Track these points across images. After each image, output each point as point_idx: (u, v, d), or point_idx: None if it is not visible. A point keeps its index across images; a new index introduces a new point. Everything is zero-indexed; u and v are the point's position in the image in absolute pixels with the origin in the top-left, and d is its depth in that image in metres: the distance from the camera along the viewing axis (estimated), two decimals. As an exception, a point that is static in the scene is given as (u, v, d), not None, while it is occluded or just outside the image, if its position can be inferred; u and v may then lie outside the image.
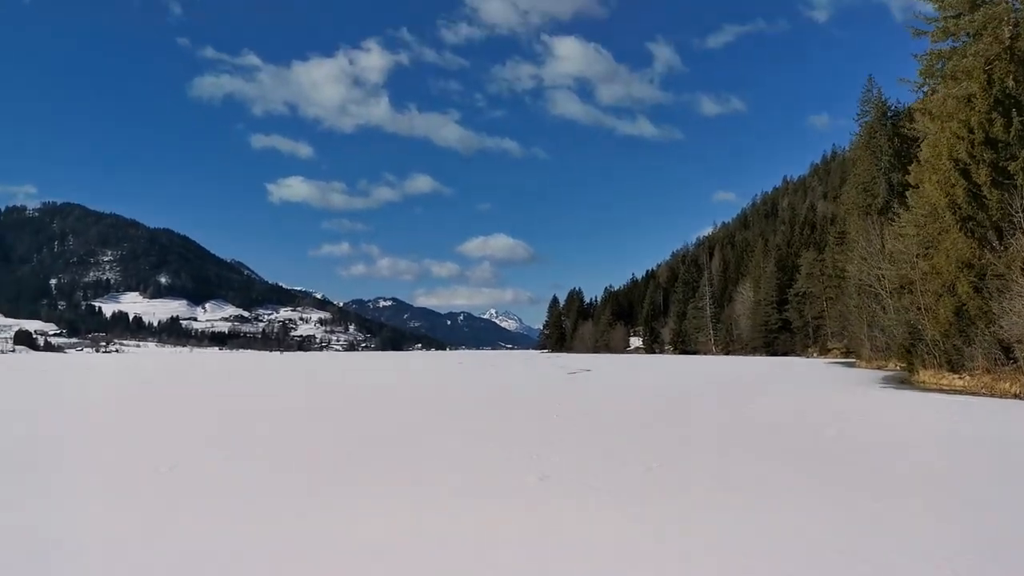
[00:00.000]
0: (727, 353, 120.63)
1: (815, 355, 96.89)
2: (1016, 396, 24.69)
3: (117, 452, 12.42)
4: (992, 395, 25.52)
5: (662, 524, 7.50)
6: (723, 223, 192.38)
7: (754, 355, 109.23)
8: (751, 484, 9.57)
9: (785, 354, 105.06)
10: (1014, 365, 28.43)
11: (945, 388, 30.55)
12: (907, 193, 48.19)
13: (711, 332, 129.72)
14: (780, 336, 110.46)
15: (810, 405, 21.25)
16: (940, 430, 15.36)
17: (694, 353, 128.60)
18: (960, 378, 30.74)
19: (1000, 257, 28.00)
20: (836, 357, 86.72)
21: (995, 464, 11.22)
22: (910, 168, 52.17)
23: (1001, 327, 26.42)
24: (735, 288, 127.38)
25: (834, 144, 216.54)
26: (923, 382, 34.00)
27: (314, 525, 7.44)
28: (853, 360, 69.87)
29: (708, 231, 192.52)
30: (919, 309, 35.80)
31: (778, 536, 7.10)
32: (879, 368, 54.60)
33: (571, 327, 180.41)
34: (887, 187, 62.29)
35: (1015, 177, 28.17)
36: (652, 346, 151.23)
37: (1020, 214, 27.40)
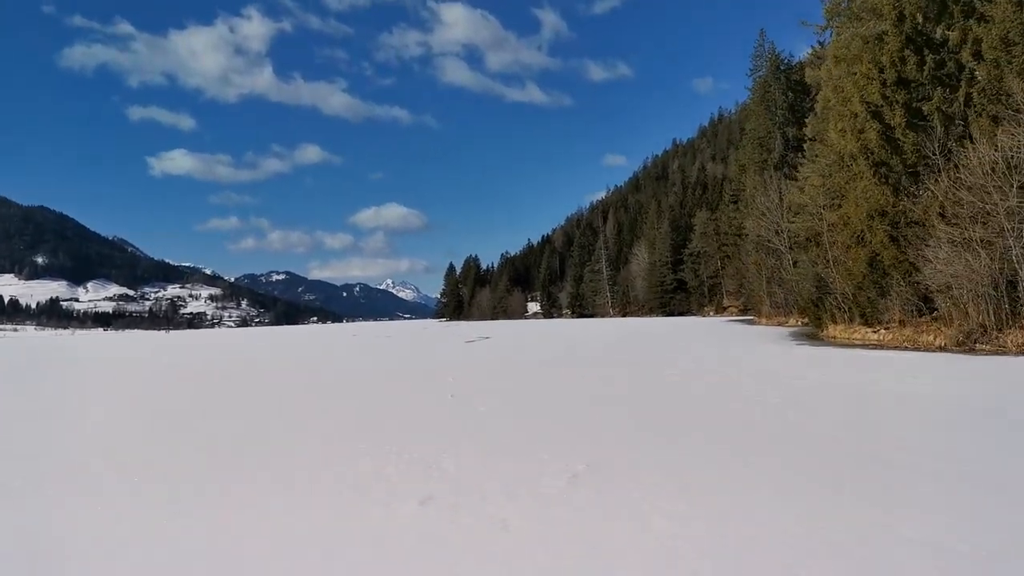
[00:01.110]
0: (624, 315, 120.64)
1: (711, 314, 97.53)
2: (941, 348, 23.23)
3: None
4: (916, 348, 24.02)
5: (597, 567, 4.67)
6: (615, 186, 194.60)
7: (651, 316, 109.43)
8: (711, 485, 6.83)
9: (681, 314, 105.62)
10: (930, 316, 27.19)
11: (858, 343, 29.20)
12: (805, 145, 47.41)
13: (608, 295, 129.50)
14: (676, 296, 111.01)
15: (738, 368, 18.89)
16: (911, 394, 13.11)
17: (592, 316, 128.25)
18: (875, 332, 29.42)
19: (916, 203, 26.51)
20: (732, 315, 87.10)
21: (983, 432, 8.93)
22: (807, 120, 51.69)
23: (923, 276, 24.91)
24: (630, 250, 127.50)
25: (720, 107, 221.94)
26: (834, 337, 32.71)
27: None
28: (751, 317, 69.72)
29: (601, 195, 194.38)
30: (827, 262, 34.46)
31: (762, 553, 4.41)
32: (780, 324, 53.99)
33: (468, 295, 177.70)
34: (783, 141, 61.68)
35: (930, 118, 26.67)
36: (550, 311, 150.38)
37: (936, 156, 25.90)
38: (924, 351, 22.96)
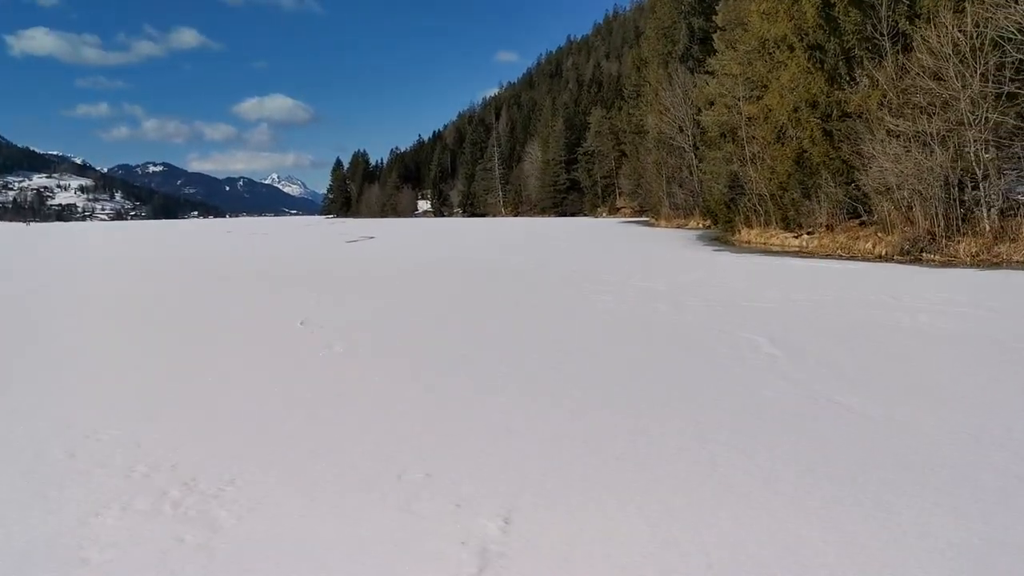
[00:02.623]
0: (517, 214, 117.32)
1: (604, 215, 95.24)
2: (881, 258, 20.54)
3: None
4: (852, 257, 21.27)
5: None
6: (509, 83, 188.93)
7: (544, 216, 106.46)
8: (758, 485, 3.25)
9: (573, 214, 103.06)
10: (859, 221, 24.61)
11: (776, 249, 26.53)
12: (714, 36, 43.89)
13: (500, 194, 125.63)
14: (569, 196, 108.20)
15: (675, 285, 15.37)
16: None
17: (483, 215, 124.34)
18: (796, 237, 26.74)
19: (855, 92, 23.40)
20: (626, 216, 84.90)
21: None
22: (717, 8, 48.02)
23: (864, 175, 21.94)
24: (523, 149, 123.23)
25: (616, 4, 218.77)
26: (748, 242, 30.03)
27: None
28: (647, 219, 67.42)
29: (494, 91, 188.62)
30: (744, 160, 31.41)
31: None
32: (679, 227, 51.54)
33: (357, 191, 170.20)
34: (688, 32, 57.90)
35: (876, -7, 23.28)
36: (441, 209, 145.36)
37: (883, 38, 22.64)
38: (863, 260, 20.20)
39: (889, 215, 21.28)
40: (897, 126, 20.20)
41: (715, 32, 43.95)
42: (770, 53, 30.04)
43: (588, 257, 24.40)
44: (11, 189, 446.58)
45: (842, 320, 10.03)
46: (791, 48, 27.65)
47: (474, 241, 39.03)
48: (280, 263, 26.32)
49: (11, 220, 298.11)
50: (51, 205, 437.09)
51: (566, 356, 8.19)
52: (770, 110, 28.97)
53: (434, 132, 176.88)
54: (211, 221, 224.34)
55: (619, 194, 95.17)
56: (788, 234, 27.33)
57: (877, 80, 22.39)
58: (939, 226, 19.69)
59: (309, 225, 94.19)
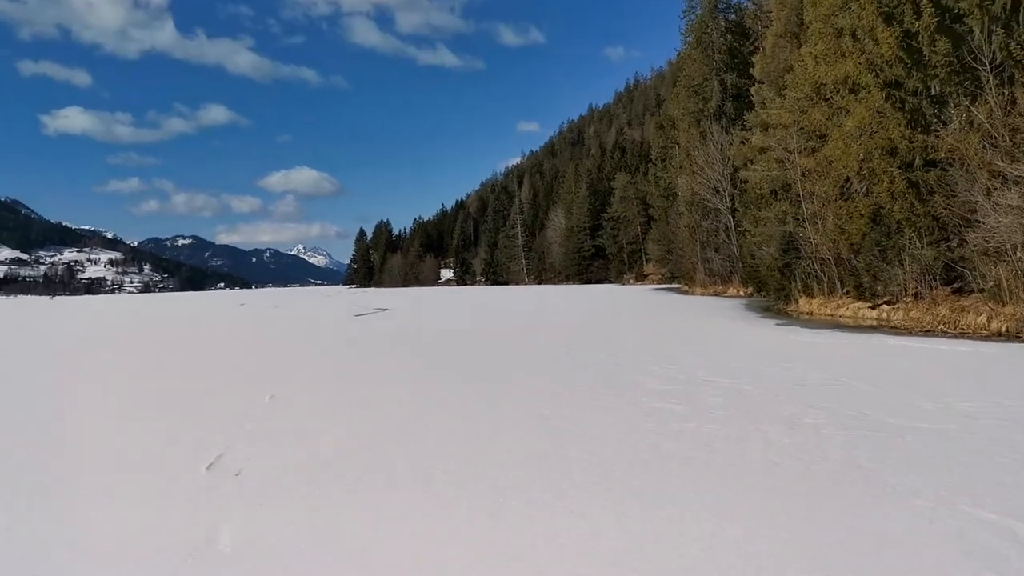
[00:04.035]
0: (540, 282, 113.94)
1: (631, 282, 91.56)
2: (1001, 335, 16.24)
3: None
4: (962, 334, 16.96)
5: None
6: (531, 151, 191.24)
7: (568, 283, 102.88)
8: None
9: (599, 281, 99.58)
10: (952, 288, 20.38)
11: (848, 322, 22.31)
12: (752, 90, 40.60)
13: (523, 261, 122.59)
14: (594, 263, 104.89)
15: (744, 371, 11.30)
16: None
17: (506, 283, 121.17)
18: (873, 308, 22.50)
19: (947, 133, 19.44)
20: (655, 283, 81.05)
21: None
22: (753, 60, 44.86)
23: (979, 231, 17.76)
24: (546, 216, 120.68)
25: (636, 72, 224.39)
26: (809, 314, 25.81)
27: None
28: (678, 286, 63.48)
29: (516, 160, 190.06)
30: (801, 219, 27.42)
31: None
32: (718, 295, 47.42)
33: (380, 260, 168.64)
34: (721, 89, 54.70)
35: (967, 18, 19.52)
36: (464, 278, 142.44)
37: (984, 67, 18.74)
38: (976, 339, 15.93)
39: (1006, 282, 17.08)
40: (1017, 171, 16.18)
41: (752, 87, 40.77)
42: (826, 99, 26.45)
43: (629, 335, 20.26)
44: (42, 263, 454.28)
45: None
46: (854, 91, 23.99)
47: (495, 314, 35.10)
48: (261, 346, 22.52)
49: (40, 294, 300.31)
50: (81, 279, 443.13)
51: None
52: (831, 162, 25.19)
53: (457, 201, 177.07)
54: (234, 292, 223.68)
55: (646, 260, 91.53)
56: (862, 304, 23.11)
57: (974, 119, 18.49)
58: (1080, 295, 15.51)
59: (328, 296, 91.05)
